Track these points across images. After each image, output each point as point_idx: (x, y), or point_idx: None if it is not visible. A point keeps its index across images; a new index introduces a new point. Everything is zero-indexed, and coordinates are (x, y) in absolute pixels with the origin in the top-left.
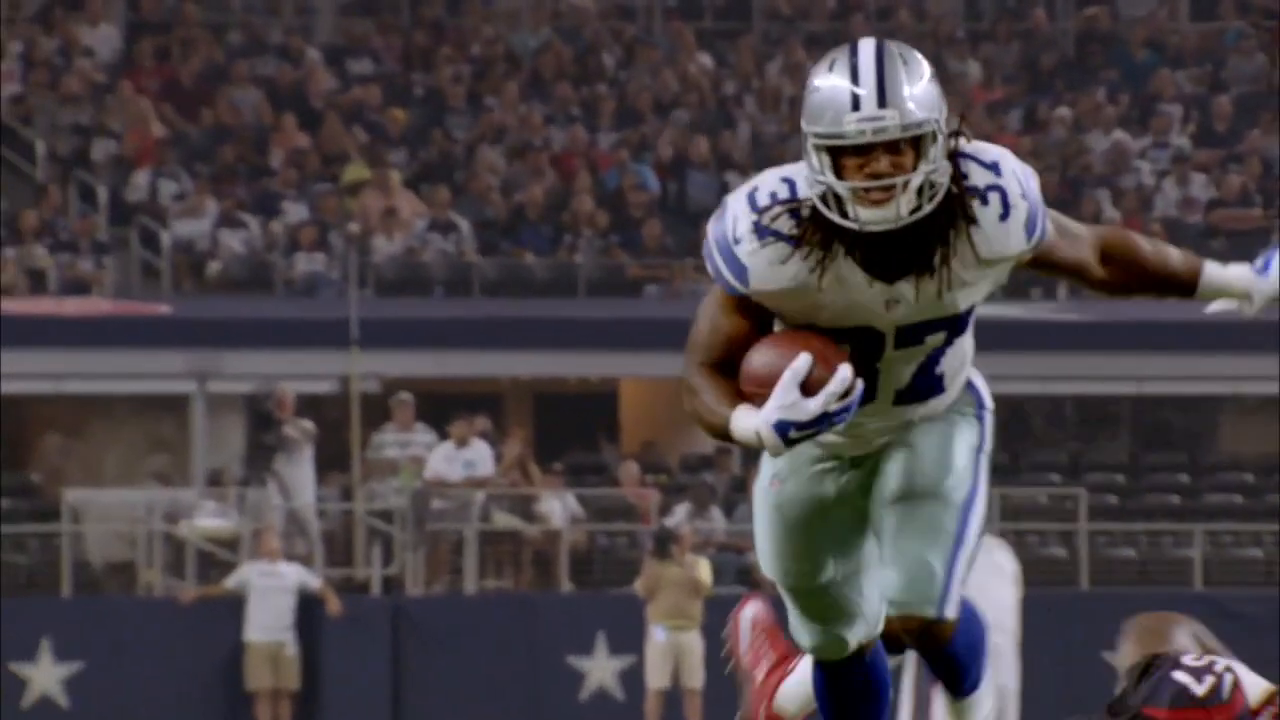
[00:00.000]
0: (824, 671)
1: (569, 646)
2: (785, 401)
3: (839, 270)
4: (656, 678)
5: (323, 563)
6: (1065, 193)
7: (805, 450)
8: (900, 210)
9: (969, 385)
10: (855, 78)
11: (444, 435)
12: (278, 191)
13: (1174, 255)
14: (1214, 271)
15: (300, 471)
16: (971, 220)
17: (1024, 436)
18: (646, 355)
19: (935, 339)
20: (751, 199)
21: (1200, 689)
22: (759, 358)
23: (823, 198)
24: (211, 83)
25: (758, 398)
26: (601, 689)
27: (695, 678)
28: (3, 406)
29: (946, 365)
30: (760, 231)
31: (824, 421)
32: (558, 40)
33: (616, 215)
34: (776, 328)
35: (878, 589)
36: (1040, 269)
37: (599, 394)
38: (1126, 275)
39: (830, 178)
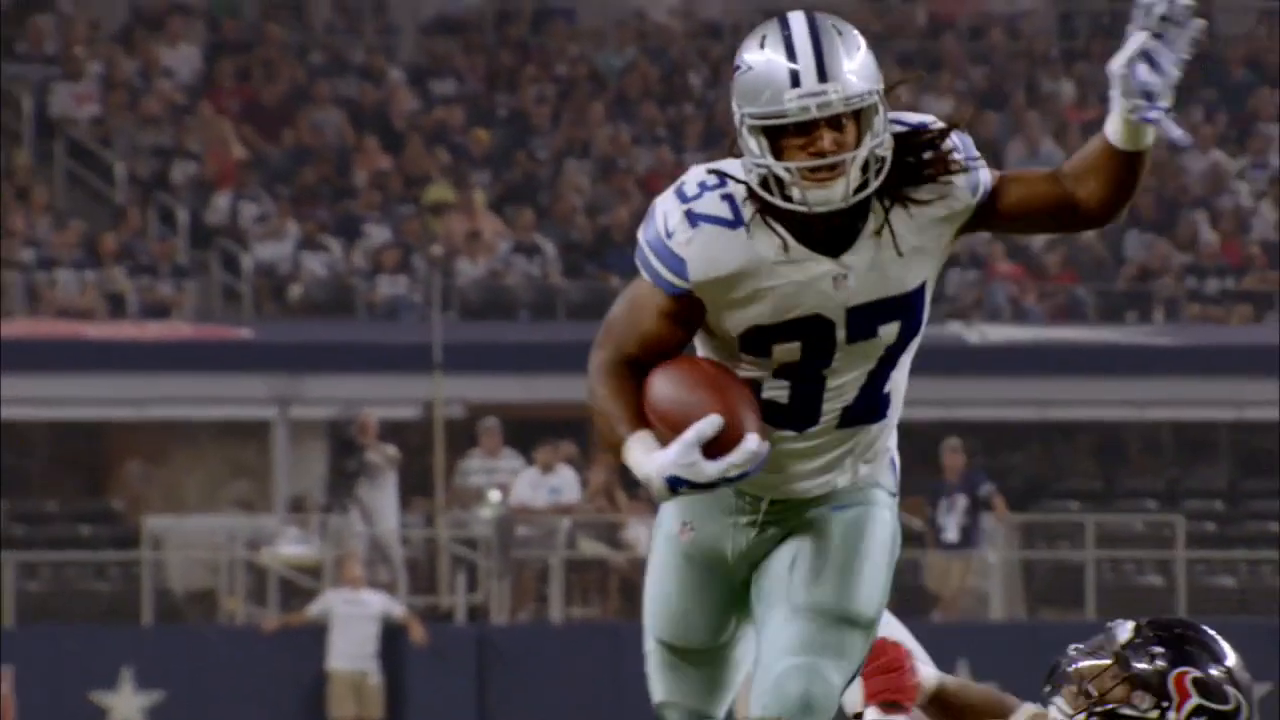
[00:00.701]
0: None
1: None
2: (684, 460)
3: (783, 246)
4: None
5: (406, 590)
6: (1161, 214)
7: (722, 498)
8: (848, 188)
9: (891, 462)
10: (791, 53)
11: (530, 461)
12: (360, 214)
13: (1096, 136)
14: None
15: (383, 498)
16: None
17: (1120, 463)
18: None
19: (889, 332)
20: (679, 193)
21: None
22: (670, 391)
23: (763, 183)
24: (293, 103)
25: (658, 433)
26: None
27: None
28: (83, 432)
29: (893, 383)
30: (693, 219)
31: (719, 485)
32: (644, 60)
33: None
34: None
35: (751, 680)
36: (1013, 222)
37: None
38: (1093, 177)
39: (769, 160)
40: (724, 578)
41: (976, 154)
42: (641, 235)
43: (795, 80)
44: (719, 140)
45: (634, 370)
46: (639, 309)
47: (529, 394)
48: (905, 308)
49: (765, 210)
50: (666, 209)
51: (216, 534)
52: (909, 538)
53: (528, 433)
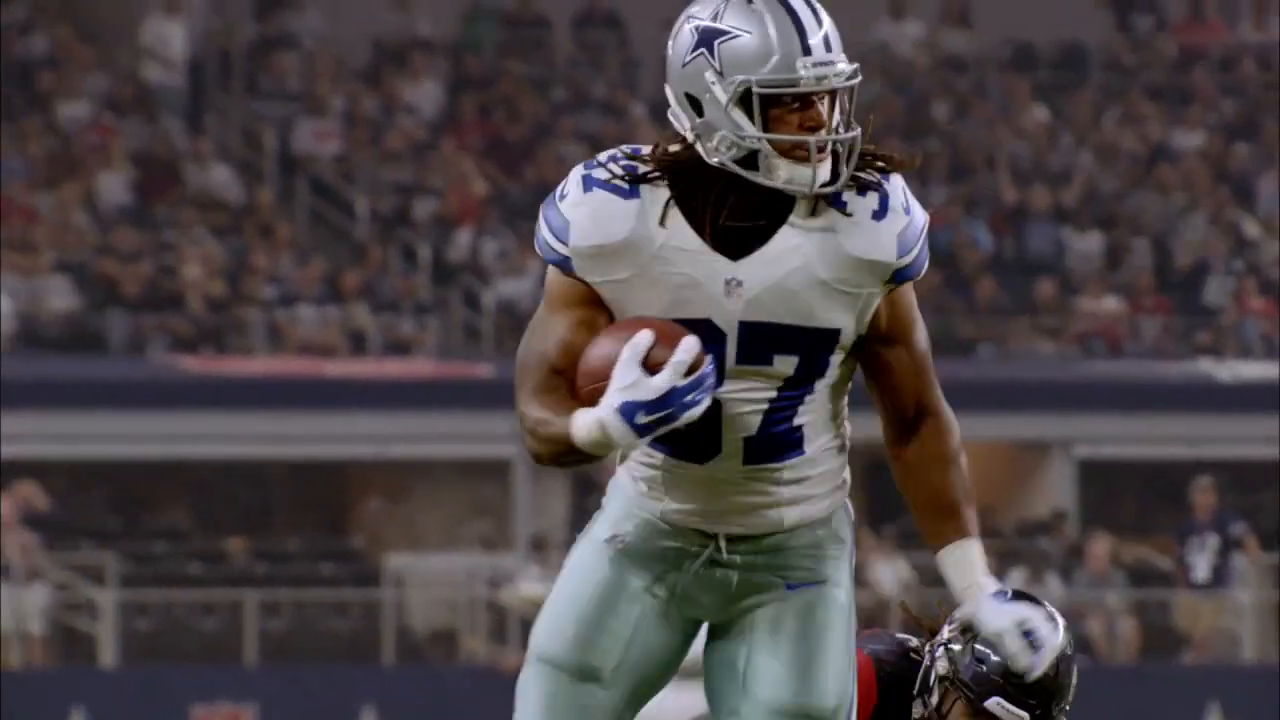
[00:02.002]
0: None
1: None
2: (626, 381)
3: (677, 231)
4: None
5: None
6: None
7: (656, 526)
8: (820, 175)
9: (845, 507)
10: (796, 19)
11: None
12: None
13: (960, 499)
14: (957, 553)
15: None
16: (841, 207)
17: None
18: (980, 417)
19: (785, 365)
20: (587, 162)
21: None
22: (594, 351)
23: (742, 159)
24: (534, 139)
25: (599, 394)
26: None
27: None
28: (324, 471)
29: (806, 416)
30: (587, 183)
31: (675, 400)
32: (889, 93)
33: (949, 273)
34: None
35: None
36: (867, 363)
37: None
38: (911, 484)
39: (754, 130)
40: (644, 600)
41: (921, 236)
42: (544, 205)
43: (807, 48)
44: (964, 173)
45: (560, 394)
46: (546, 316)
47: None
48: (809, 346)
49: (678, 192)
50: (571, 176)
51: (457, 573)
52: (1157, 577)
53: None
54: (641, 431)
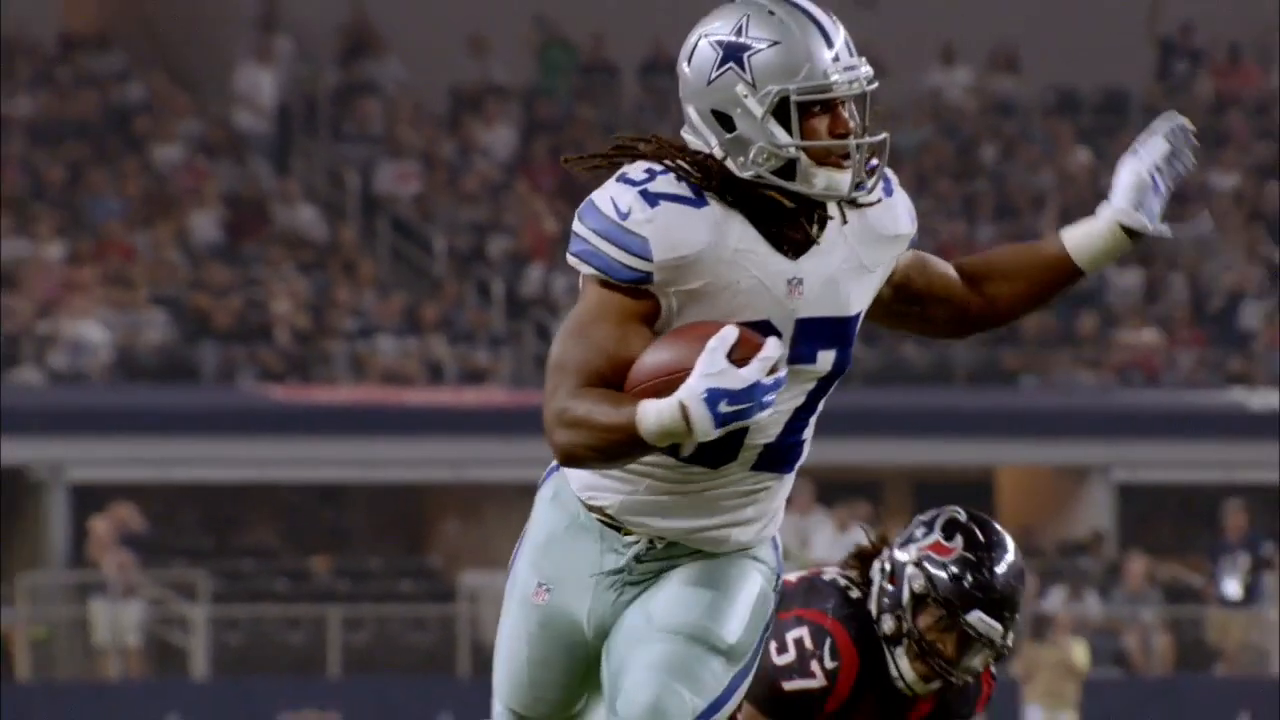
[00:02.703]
0: None
1: None
2: (713, 369)
3: (745, 237)
4: None
5: None
6: None
7: (589, 554)
8: (856, 177)
9: (773, 540)
10: (820, 26)
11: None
12: None
13: (1028, 245)
14: (1076, 233)
15: None
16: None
17: None
18: (1023, 443)
19: (825, 360)
20: (624, 180)
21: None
22: (661, 353)
23: (783, 169)
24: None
25: (664, 390)
26: None
27: None
28: (403, 493)
29: (809, 431)
30: (650, 198)
31: (757, 394)
32: (938, 137)
33: None
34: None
35: None
36: (908, 302)
37: (976, 481)
38: (1009, 283)
39: (793, 139)
40: (579, 647)
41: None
42: (585, 224)
43: (835, 55)
44: (1011, 213)
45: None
46: (596, 324)
47: (825, 456)
48: (843, 335)
49: (730, 198)
50: (613, 194)
51: None
52: (1190, 594)
53: (825, 492)
54: (721, 421)
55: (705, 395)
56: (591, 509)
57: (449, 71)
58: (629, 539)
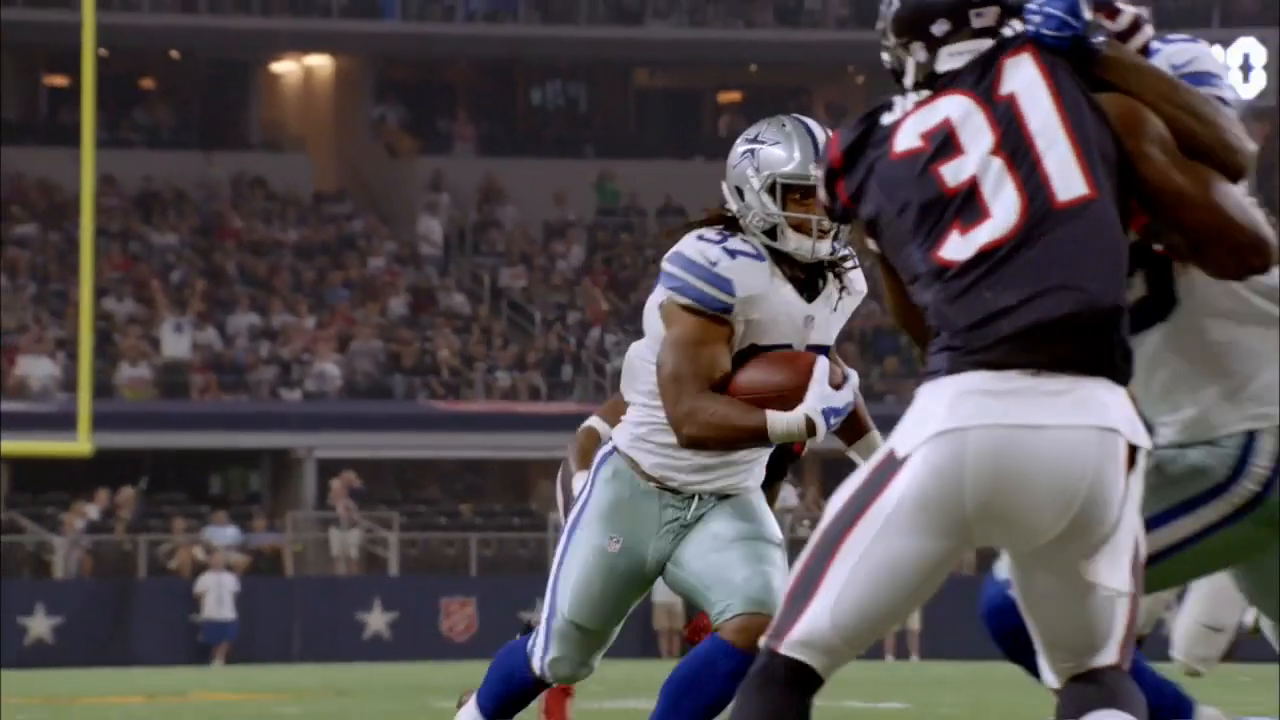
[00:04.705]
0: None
1: None
2: (825, 393)
3: (781, 283)
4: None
5: None
6: None
7: (651, 511)
8: (821, 248)
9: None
10: (813, 136)
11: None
12: None
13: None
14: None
15: None
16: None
17: None
18: None
19: None
20: (704, 239)
21: None
22: (764, 373)
23: (769, 231)
24: (637, 279)
25: (771, 402)
26: None
27: None
28: (516, 465)
29: None
30: (730, 253)
31: (845, 410)
32: None
33: None
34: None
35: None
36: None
37: None
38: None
39: (777, 210)
40: (639, 579)
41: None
42: (679, 270)
43: (818, 159)
44: None
45: (718, 394)
46: (700, 345)
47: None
48: (826, 355)
49: (774, 254)
50: (701, 249)
51: None
52: None
53: None
54: (829, 429)
55: (823, 410)
56: (658, 480)
57: (542, 212)
58: (686, 498)
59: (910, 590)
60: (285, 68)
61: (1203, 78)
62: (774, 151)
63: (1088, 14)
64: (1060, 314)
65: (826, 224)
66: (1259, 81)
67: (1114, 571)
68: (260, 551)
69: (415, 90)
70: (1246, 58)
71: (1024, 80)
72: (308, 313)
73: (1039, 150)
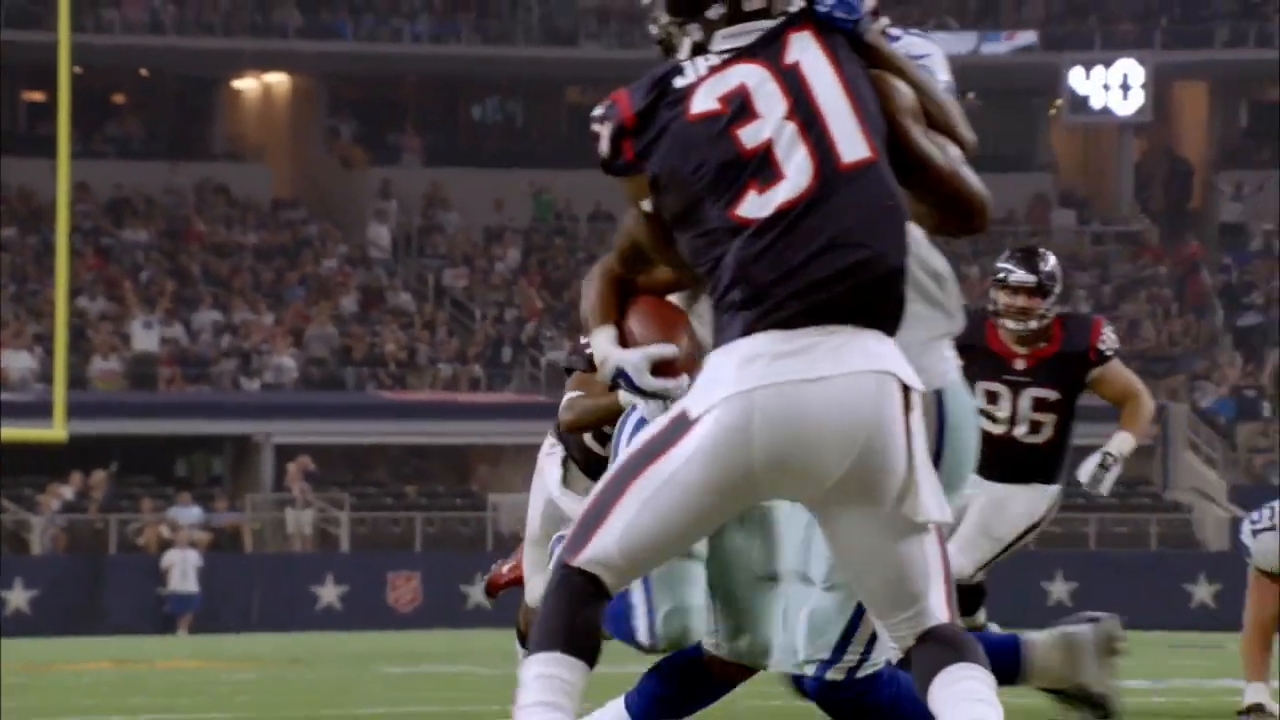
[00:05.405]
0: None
1: None
2: (638, 365)
3: None
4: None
5: None
6: None
7: None
8: None
9: None
10: None
11: None
12: None
13: None
14: None
15: None
16: None
17: None
18: None
19: None
20: None
21: None
22: (647, 319)
23: None
24: (570, 279)
25: (628, 335)
26: None
27: None
28: (457, 450)
29: None
30: None
31: (645, 396)
32: None
33: None
34: None
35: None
36: None
37: None
38: None
39: None
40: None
41: None
42: None
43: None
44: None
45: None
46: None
47: None
48: None
49: None
50: None
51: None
52: None
53: None
54: (613, 387)
55: (618, 366)
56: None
57: (483, 218)
58: None
59: (689, 531)
60: (246, 84)
61: (933, 71)
62: None
63: (868, 3)
64: (848, 267)
65: None
66: (1137, 99)
67: (916, 506)
68: (222, 530)
69: (366, 106)
70: (1125, 77)
71: (808, 53)
72: (266, 310)
73: (825, 116)
